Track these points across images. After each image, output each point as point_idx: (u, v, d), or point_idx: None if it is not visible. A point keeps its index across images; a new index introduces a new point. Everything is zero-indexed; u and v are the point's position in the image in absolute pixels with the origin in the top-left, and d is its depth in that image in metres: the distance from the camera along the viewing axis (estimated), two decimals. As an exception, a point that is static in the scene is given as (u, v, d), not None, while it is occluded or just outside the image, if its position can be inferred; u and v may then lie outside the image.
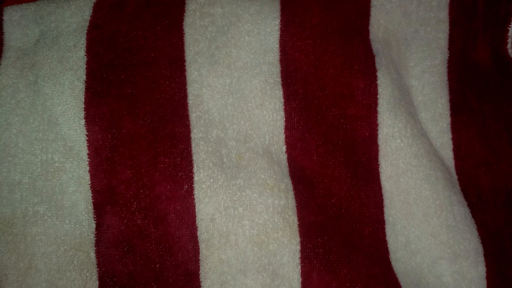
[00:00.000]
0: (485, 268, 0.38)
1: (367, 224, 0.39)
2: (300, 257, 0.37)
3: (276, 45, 0.40)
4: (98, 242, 0.36)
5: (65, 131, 0.37)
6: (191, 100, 0.38)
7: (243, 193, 0.37)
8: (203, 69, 0.39)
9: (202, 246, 0.37)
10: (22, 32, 0.40)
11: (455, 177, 0.41)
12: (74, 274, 0.36)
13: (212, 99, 0.39)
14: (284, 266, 0.37)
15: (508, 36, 0.43)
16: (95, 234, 0.36)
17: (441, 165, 0.40)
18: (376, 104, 0.40)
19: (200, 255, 0.37)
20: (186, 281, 0.36)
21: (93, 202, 0.36)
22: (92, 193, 0.36)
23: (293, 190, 0.38)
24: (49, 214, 0.36)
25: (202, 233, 0.37)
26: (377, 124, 0.40)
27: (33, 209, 0.36)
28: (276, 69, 0.40)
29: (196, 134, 0.38)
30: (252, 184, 0.38)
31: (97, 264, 0.36)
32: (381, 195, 0.40)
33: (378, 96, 0.40)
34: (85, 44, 0.38)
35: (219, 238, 0.37)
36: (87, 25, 0.39)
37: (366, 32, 0.41)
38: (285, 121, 0.39)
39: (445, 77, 0.42)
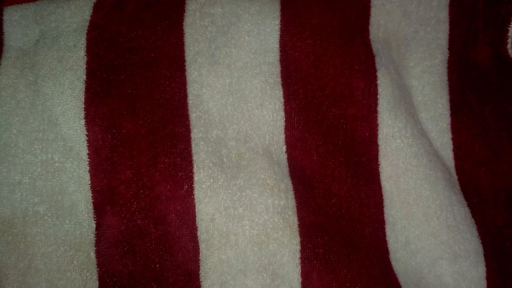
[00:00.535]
0: (485, 268, 0.38)
1: (367, 224, 0.39)
2: (300, 257, 0.37)
3: (276, 45, 0.40)
4: (98, 242, 0.36)
5: (65, 131, 0.37)
6: (191, 100, 0.38)
7: (243, 193, 0.37)
8: (203, 69, 0.39)
9: (202, 246, 0.37)
10: (22, 32, 0.40)
11: (455, 177, 0.41)
12: (74, 274, 0.36)
13: (212, 99, 0.39)
14: (284, 266, 0.37)
15: (508, 36, 0.43)
16: (95, 234, 0.36)
17: (441, 165, 0.40)
18: (376, 104, 0.40)
19: (200, 255, 0.37)
20: (186, 281, 0.36)
21: (93, 202, 0.36)
22: (92, 193, 0.36)
23: (293, 190, 0.38)
24: (49, 214, 0.36)
25: (202, 233, 0.37)
26: (377, 124, 0.40)
27: (33, 209, 0.36)
28: (276, 69, 0.40)
29: (196, 134, 0.38)
30: (252, 184, 0.38)
31: (97, 264, 0.36)
32: (381, 195, 0.40)
33: (378, 96, 0.40)
34: (85, 44, 0.38)
35: (219, 238, 0.37)
36: (87, 25, 0.39)
37: (366, 32, 0.41)
38: (285, 121, 0.39)
39: (445, 77, 0.42)
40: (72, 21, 0.39)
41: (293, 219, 0.37)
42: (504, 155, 0.41)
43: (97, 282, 0.36)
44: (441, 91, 0.42)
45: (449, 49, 0.42)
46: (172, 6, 0.39)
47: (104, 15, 0.39)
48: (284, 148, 0.39)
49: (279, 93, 0.40)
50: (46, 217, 0.36)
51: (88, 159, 0.36)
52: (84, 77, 0.37)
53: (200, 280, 0.36)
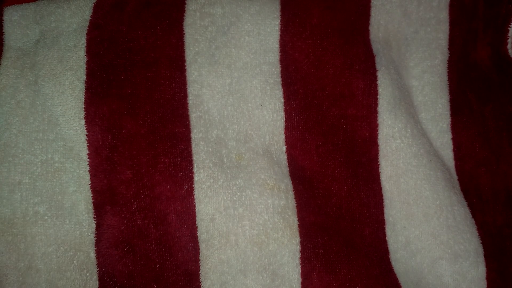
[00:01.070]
0: (485, 269, 0.38)
1: (367, 224, 0.39)
2: (300, 257, 0.37)
3: (276, 45, 0.40)
4: (98, 242, 0.36)
5: (65, 131, 0.37)
6: (191, 100, 0.38)
7: (243, 193, 0.37)
8: (203, 69, 0.39)
9: (202, 246, 0.37)
10: (22, 32, 0.40)
11: (455, 177, 0.41)
12: (74, 274, 0.36)
13: (212, 99, 0.39)
14: (284, 266, 0.37)
15: (508, 36, 0.43)
16: (95, 234, 0.36)
17: (441, 165, 0.40)
18: (376, 104, 0.40)
19: (200, 255, 0.37)
20: (186, 281, 0.36)
21: (93, 202, 0.36)
22: (92, 193, 0.36)
23: (293, 190, 0.38)
24: (49, 214, 0.36)
25: (202, 233, 0.37)
26: (377, 124, 0.40)
27: (33, 209, 0.36)
28: (276, 69, 0.40)
29: (196, 134, 0.38)
30: (252, 184, 0.38)
31: (97, 264, 0.36)
32: (381, 195, 0.40)
33: (378, 96, 0.40)
34: (85, 44, 0.38)
35: (219, 238, 0.37)
36: (87, 25, 0.39)
37: (366, 32, 0.41)
38: (285, 121, 0.39)
39: (445, 77, 0.42)
40: (72, 21, 0.39)
41: (293, 219, 0.37)
42: (504, 155, 0.41)
43: (97, 282, 0.36)
44: (441, 91, 0.42)
45: (449, 49, 0.42)
46: (172, 6, 0.39)
47: (104, 15, 0.39)
48: (284, 148, 0.39)
49: (279, 93, 0.40)
50: (46, 217, 0.36)
51: (88, 159, 0.36)
52: (84, 77, 0.37)
53: (200, 280, 0.36)
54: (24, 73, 0.38)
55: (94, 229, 0.36)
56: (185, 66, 0.39)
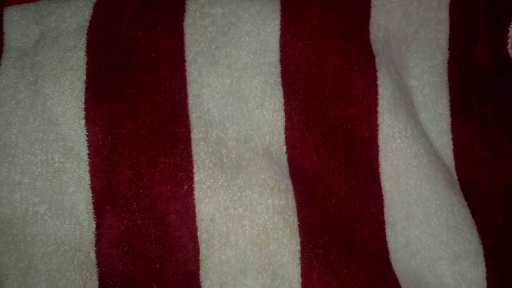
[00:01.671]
0: (485, 269, 0.38)
1: (367, 225, 0.39)
2: (300, 258, 0.37)
3: (276, 45, 0.40)
4: (98, 242, 0.36)
5: (65, 131, 0.37)
6: (191, 100, 0.38)
7: (243, 194, 0.37)
8: (203, 69, 0.39)
9: (202, 246, 0.37)
10: (22, 32, 0.40)
11: (455, 177, 0.41)
12: (74, 274, 0.36)
13: (212, 99, 0.39)
14: (284, 267, 0.37)
15: (508, 36, 0.43)
16: (95, 234, 0.36)
17: (441, 165, 0.40)
18: (376, 105, 0.40)
19: (200, 255, 0.37)
20: (186, 281, 0.36)
21: (93, 202, 0.36)
22: (92, 193, 0.36)
23: (293, 191, 0.38)
24: (49, 214, 0.36)
25: (202, 233, 0.37)
26: (377, 124, 0.40)
27: (33, 209, 0.36)
28: (276, 69, 0.40)
29: (196, 134, 0.38)
30: (252, 185, 0.37)
31: (97, 264, 0.36)
32: (381, 196, 0.40)
33: (378, 97, 0.40)
34: (85, 44, 0.38)
35: (219, 238, 0.37)
36: (87, 25, 0.39)
37: (367, 32, 0.41)
38: (285, 121, 0.39)
39: (445, 78, 0.42)
40: (72, 21, 0.39)
41: (293, 219, 0.37)
42: (504, 155, 0.41)
43: (97, 282, 0.36)
44: (441, 91, 0.42)
45: (449, 49, 0.42)
46: (172, 6, 0.39)
47: (104, 15, 0.39)
48: (284, 148, 0.39)
49: (279, 93, 0.39)
50: (46, 217, 0.36)
51: (88, 159, 0.36)
52: (84, 77, 0.37)
53: (200, 280, 0.36)
54: (24, 73, 0.38)
55: (94, 229, 0.36)
56: (185, 66, 0.39)
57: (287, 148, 0.39)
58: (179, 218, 0.37)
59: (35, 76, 0.38)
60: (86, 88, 0.37)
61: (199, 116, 0.38)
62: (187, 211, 0.37)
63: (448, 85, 0.42)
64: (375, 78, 0.40)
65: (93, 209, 0.36)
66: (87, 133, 0.37)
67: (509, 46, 0.43)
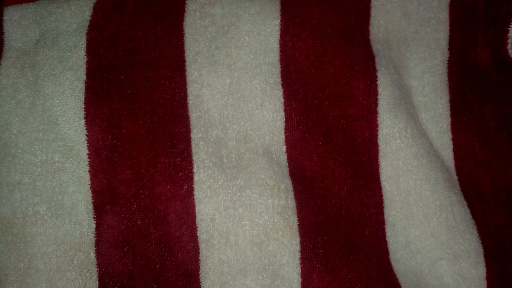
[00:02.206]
0: (485, 269, 0.38)
1: (367, 225, 0.39)
2: (300, 258, 0.37)
3: (276, 45, 0.40)
4: (98, 242, 0.36)
5: (65, 131, 0.37)
6: (191, 100, 0.38)
7: (243, 194, 0.37)
8: (203, 69, 0.39)
9: (202, 246, 0.37)
10: (22, 32, 0.40)
11: (455, 177, 0.41)
12: (74, 274, 0.36)
13: (212, 99, 0.39)
14: (284, 267, 0.37)
15: (508, 36, 0.43)
16: (95, 234, 0.36)
17: (441, 165, 0.40)
18: (376, 105, 0.40)
19: (200, 255, 0.37)
20: (186, 281, 0.36)
21: (93, 202, 0.36)
22: (92, 193, 0.36)
23: (293, 191, 0.38)
24: (49, 214, 0.36)
25: (202, 233, 0.37)
26: (377, 124, 0.40)
27: (33, 209, 0.36)
28: (276, 69, 0.40)
29: (196, 134, 0.38)
30: (252, 185, 0.37)
31: (97, 264, 0.36)
32: (381, 196, 0.40)
33: (378, 97, 0.40)
34: (85, 44, 0.38)
35: (219, 239, 0.37)
36: (87, 25, 0.39)
37: (366, 32, 0.41)
38: (285, 121, 0.39)
39: (445, 78, 0.42)
40: (72, 21, 0.39)
41: (293, 220, 0.37)
42: (504, 155, 0.41)
43: (97, 282, 0.36)
44: (441, 91, 0.42)
45: (449, 49, 0.42)
46: (172, 6, 0.39)
47: (104, 15, 0.39)
48: (284, 148, 0.39)
49: (279, 93, 0.40)
50: (46, 217, 0.36)
51: (88, 159, 0.36)
52: (84, 77, 0.37)
53: (200, 280, 0.36)
54: (24, 73, 0.38)
55: (94, 229, 0.36)
56: (185, 66, 0.39)
57: (287, 148, 0.39)
58: (179, 218, 0.37)
59: (35, 76, 0.38)
60: (86, 88, 0.37)
61: (199, 116, 0.38)
62: (187, 211, 0.37)
63: (448, 85, 0.42)
64: (375, 78, 0.40)
65: (93, 209, 0.36)
66: (87, 133, 0.37)
67: (509, 46, 0.43)
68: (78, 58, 0.38)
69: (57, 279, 0.36)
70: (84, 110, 0.37)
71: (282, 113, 0.39)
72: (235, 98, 0.39)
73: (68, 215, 0.36)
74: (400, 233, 0.39)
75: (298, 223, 0.37)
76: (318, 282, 0.36)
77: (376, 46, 0.41)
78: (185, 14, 0.39)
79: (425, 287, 0.39)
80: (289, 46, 0.40)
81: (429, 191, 0.39)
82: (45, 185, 0.36)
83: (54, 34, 0.39)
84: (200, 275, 0.36)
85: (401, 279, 0.38)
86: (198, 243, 0.37)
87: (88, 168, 0.36)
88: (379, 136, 0.40)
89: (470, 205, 0.40)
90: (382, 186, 0.40)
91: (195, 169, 0.37)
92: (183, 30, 0.39)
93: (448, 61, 0.42)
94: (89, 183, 0.36)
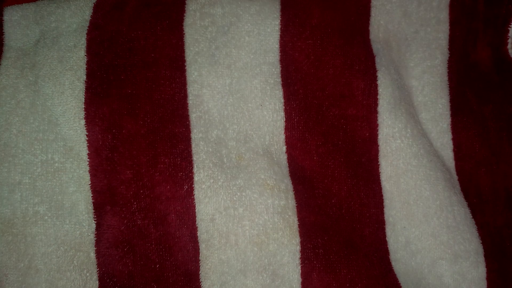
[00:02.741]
0: (486, 269, 0.38)
1: (367, 225, 0.39)
2: (300, 258, 0.37)
3: (276, 45, 0.40)
4: (98, 242, 0.36)
5: (65, 131, 0.37)
6: (191, 100, 0.38)
7: (243, 194, 0.37)
8: (203, 70, 0.39)
9: (202, 246, 0.37)
10: (22, 32, 0.40)
11: (455, 177, 0.41)
12: (74, 274, 0.36)
13: (212, 99, 0.39)
14: (284, 267, 0.37)
15: (508, 36, 0.43)
16: (95, 234, 0.36)
17: (441, 165, 0.40)
18: (376, 105, 0.40)
19: (200, 255, 0.37)
20: (186, 281, 0.36)
21: (93, 202, 0.36)
22: (92, 193, 0.36)
23: (293, 191, 0.38)
24: (49, 214, 0.36)
25: (202, 233, 0.37)
26: (377, 124, 0.40)
27: (33, 209, 0.36)
28: (276, 69, 0.40)
29: (196, 134, 0.38)
30: (252, 185, 0.37)
31: (97, 264, 0.36)
32: (381, 196, 0.40)
33: (378, 97, 0.40)
34: (85, 44, 0.38)
35: (219, 239, 0.37)
36: (87, 25, 0.39)
37: (366, 32, 0.41)
38: (285, 121, 0.39)
39: (445, 78, 0.42)
40: (72, 21, 0.39)
41: (293, 220, 0.37)
42: (504, 155, 0.41)
43: (97, 282, 0.36)
44: (441, 91, 0.42)
45: (449, 49, 0.42)
46: (172, 6, 0.39)
47: (104, 15, 0.39)
48: (284, 148, 0.39)
49: (279, 93, 0.40)
50: (46, 217, 0.36)
51: (88, 159, 0.36)
52: (84, 77, 0.37)
53: (200, 280, 0.36)
54: (24, 73, 0.38)
55: (94, 229, 0.36)
56: (185, 66, 0.39)
57: (287, 148, 0.39)
58: (179, 218, 0.37)
59: (35, 76, 0.38)
60: (86, 88, 0.37)
61: (199, 116, 0.38)
62: (187, 211, 0.37)
63: (448, 85, 0.42)
64: (375, 78, 0.40)
65: (93, 209, 0.36)
66: (87, 133, 0.37)
67: (509, 46, 0.43)
68: (78, 58, 0.38)
69: (57, 279, 0.36)
70: (84, 110, 0.37)
71: (282, 113, 0.39)
72: (235, 98, 0.39)
73: (68, 215, 0.36)
74: (400, 233, 0.39)
75: (298, 223, 0.37)
76: (318, 282, 0.36)
77: (376, 46, 0.41)
78: (185, 14, 0.39)
79: (425, 287, 0.39)
80: (289, 46, 0.40)
81: (429, 191, 0.39)
82: (45, 185, 0.36)
83: (54, 34, 0.39)
84: (200, 275, 0.36)
85: (401, 279, 0.38)
86: (198, 243, 0.37)
87: (88, 168, 0.36)
88: (379, 136, 0.40)
89: (470, 205, 0.40)
90: (382, 186, 0.40)
91: (195, 169, 0.37)
92: (183, 30, 0.39)
93: (448, 61, 0.42)
94: (89, 183, 0.36)
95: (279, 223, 0.37)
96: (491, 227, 0.40)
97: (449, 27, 0.42)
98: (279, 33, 0.40)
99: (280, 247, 0.37)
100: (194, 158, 0.37)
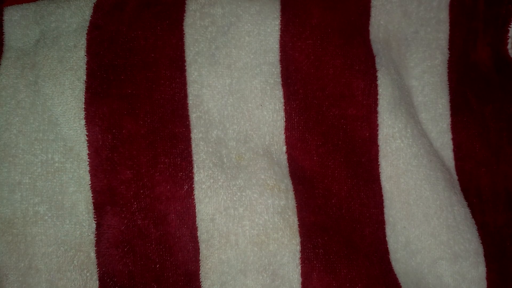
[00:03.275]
0: (485, 269, 0.38)
1: (367, 225, 0.39)
2: (300, 258, 0.37)
3: (276, 45, 0.40)
4: (98, 242, 0.36)
5: (65, 131, 0.37)
6: (191, 100, 0.38)
7: (243, 194, 0.37)
8: (203, 70, 0.39)
9: (202, 246, 0.37)
10: (23, 32, 0.40)
11: (455, 177, 0.41)
12: (74, 274, 0.36)
13: (212, 100, 0.39)
14: (284, 267, 0.37)
15: (508, 36, 0.43)
16: (95, 234, 0.36)
17: (441, 165, 0.40)
18: (376, 105, 0.40)
19: (200, 255, 0.37)
20: (186, 281, 0.36)
21: (93, 202, 0.36)
22: (92, 193, 0.36)
23: (293, 191, 0.38)
24: (49, 214, 0.36)
25: (202, 233, 0.37)
26: (377, 124, 0.40)
27: (33, 209, 0.36)
28: (276, 69, 0.40)
29: (196, 134, 0.38)
30: (252, 185, 0.38)
31: (97, 264, 0.36)
32: (381, 196, 0.40)
33: (378, 97, 0.40)
34: (85, 44, 0.38)
35: (219, 239, 0.37)
36: (87, 25, 0.39)
37: (367, 32, 0.41)
38: (285, 121, 0.39)
39: (445, 78, 0.42)
40: (72, 21, 0.39)
41: (293, 220, 0.37)
42: (504, 155, 0.41)
43: (97, 282, 0.36)
44: (441, 91, 0.42)
45: (449, 49, 0.42)
46: (172, 6, 0.39)
47: (104, 15, 0.39)
48: (284, 148, 0.39)
49: (279, 93, 0.40)
50: (46, 217, 0.36)
51: (88, 159, 0.36)
52: (84, 77, 0.37)
53: (200, 280, 0.36)
54: (24, 73, 0.38)
55: (94, 229, 0.36)
56: (185, 66, 0.39)
57: (287, 148, 0.39)
58: (179, 218, 0.37)
59: (35, 76, 0.38)
60: (86, 88, 0.37)
61: (199, 116, 0.38)
62: (187, 211, 0.37)
63: (448, 85, 0.42)
64: (375, 78, 0.40)
65: (93, 209, 0.36)
66: (87, 133, 0.37)
67: (509, 46, 0.43)
68: (78, 58, 0.38)
69: (57, 279, 0.36)
70: (84, 110, 0.37)
71: (282, 113, 0.39)
72: (235, 98, 0.39)
73: (68, 215, 0.36)
74: (400, 233, 0.39)
75: (298, 223, 0.37)
76: (318, 282, 0.36)
77: (376, 46, 0.41)
78: (185, 14, 0.39)
79: (425, 287, 0.39)
80: (289, 46, 0.40)
81: (429, 191, 0.39)
82: (45, 185, 0.36)
83: (54, 34, 0.39)
84: (200, 275, 0.37)
85: (401, 279, 0.38)
86: (198, 243, 0.37)
87: (88, 168, 0.36)
88: (379, 136, 0.40)
89: (470, 205, 0.40)
90: (382, 186, 0.40)
91: (195, 169, 0.37)
92: (183, 30, 0.39)
93: (448, 61, 0.42)
94: (89, 183, 0.36)
95: (279, 223, 0.37)
96: (491, 227, 0.40)
97: (449, 27, 0.42)
98: (279, 33, 0.40)
99: (280, 247, 0.37)
100: (194, 158, 0.37)
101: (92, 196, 0.36)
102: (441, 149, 0.42)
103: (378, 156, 0.40)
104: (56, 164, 0.37)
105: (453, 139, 0.42)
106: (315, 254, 0.37)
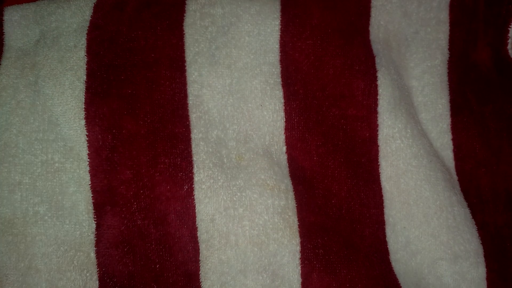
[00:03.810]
0: (485, 269, 0.38)
1: (367, 225, 0.39)
2: (300, 258, 0.37)
3: (276, 46, 0.40)
4: (98, 243, 0.36)
5: (65, 132, 0.37)
6: (191, 100, 0.38)
7: (243, 194, 0.37)
8: (203, 70, 0.39)
9: (202, 246, 0.37)
10: (23, 32, 0.40)
11: (455, 177, 0.41)
12: (74, 274, 0.36)
13: (212, 100, 0.39)
14: (284, 267, 0.37)
15: (509, 36, 0.43)
16: (95, 234, 0.36)
17: (441, 165, 0.40)
18: (376, 105, 0.40)
19: (200, 255, 0.37)
20: (186, 282, 0.36)
21: (93, 202, 0.36)
22: (92, 194, 0.36)
23: (293, 191, 0.38)
24: (49, 215, 0.36)
25: (202, 234, 0.37)
26: (377, 124, 0.40)
27: (33, 210, 0.36)
28: (276, 69, 0.40)
29: (196, 134, 0.38)
30: (252, 185, 0.38)
31: (97, 264, 0.36)
32: (381, 196, 0.40)
33: (378, 97, 0.40)
34: (85, 45, 0.38)
35: (219, 239, 0.37)
36: (88, 25, 0.39)
37: (367, 32, 0.41)
38: (285, 121, 0.39)
39: (445, 78, 0.42)
40: (72, 22, 0.39)
41: (293, 220, 0.37)
42: (504, 155, 0.41)
43: (97, 282, 0.36)
44: (441, 91, 0.42)
45: (450, 49, 0.42)
46: (172, 7, 0.39)
47: (104, 15, 0.39)
48: (284, 148, 0.39)
49: (279, 93, 0.40)
50: (46, 217, 0.36)
51: (88, 160, 0.36)
52: (85, 77, 0.37)
53: (200, 280, 0.36)
54: (24, 73, 0.38)
55: (94, 230, 0.36)
56: (185, 66, 0.39)
57: (287, 148, 0.39)
58: (179, 218, 0.37)
59: (35, 76, 0.38)
60: (86, 88, 0.37)
61: (199, 116, 0.38)
62: (187, 211, 0.37)
63: (448, 85, 0.42)
64: (375, 78, 0.40)
65: (93, 209, 0.36)
66: (87, 133, 0.37)
67: (509, 46, 0.43)
68: (78, 58, 0.38)
69: (57, 279, 0.36)
70: (84, 110, 0.37)
71: (282, 113, 0.39)
72: (235, 98, 0.39)
73: (68, 215, 0.36)
74: (400, 233, 0.39)
75: (298, 223, 0.37)
76: (318, 282, 0.36)
77: (376, 46, 0.41)
78: (185, 14, 0.39)
79: (425, 287, 0.39)
80: (289, 46, 0.40)
81: (429, 191, 0.39)
82: (45, 185, 0.36)
83: (54, 34, 0.39)
84: (200, 275, 0.36)
85: (401, 279, 0.38)
86: (198, 243, 0.37)
87: (88, 168, 0.36)
88: (379, 136, 0.40)
89: (470, 205, 0.40)
90: (382, 187, 0.40)
91: (195, 170, 0.37)
92: (183, 30, 0.39)
93: (448, 61, 0.42)
94: (89, 183, 0.36)
95: (279, 223, 0.37)
96: (491, 227, 0.40)
97: (449, 28, 0.42)
98: (279, 33, 0.40)
99: (280, 247, 0.37)
100: (194, 158, 0.37)
101: (92, 196, 0.36)
102: (441, 149, 0.42)
103: (378, 156, 0.40)
104: (56, 164, 0.37)
105: (453, 139, 0.42)
106: (315, 254, 0.37)
